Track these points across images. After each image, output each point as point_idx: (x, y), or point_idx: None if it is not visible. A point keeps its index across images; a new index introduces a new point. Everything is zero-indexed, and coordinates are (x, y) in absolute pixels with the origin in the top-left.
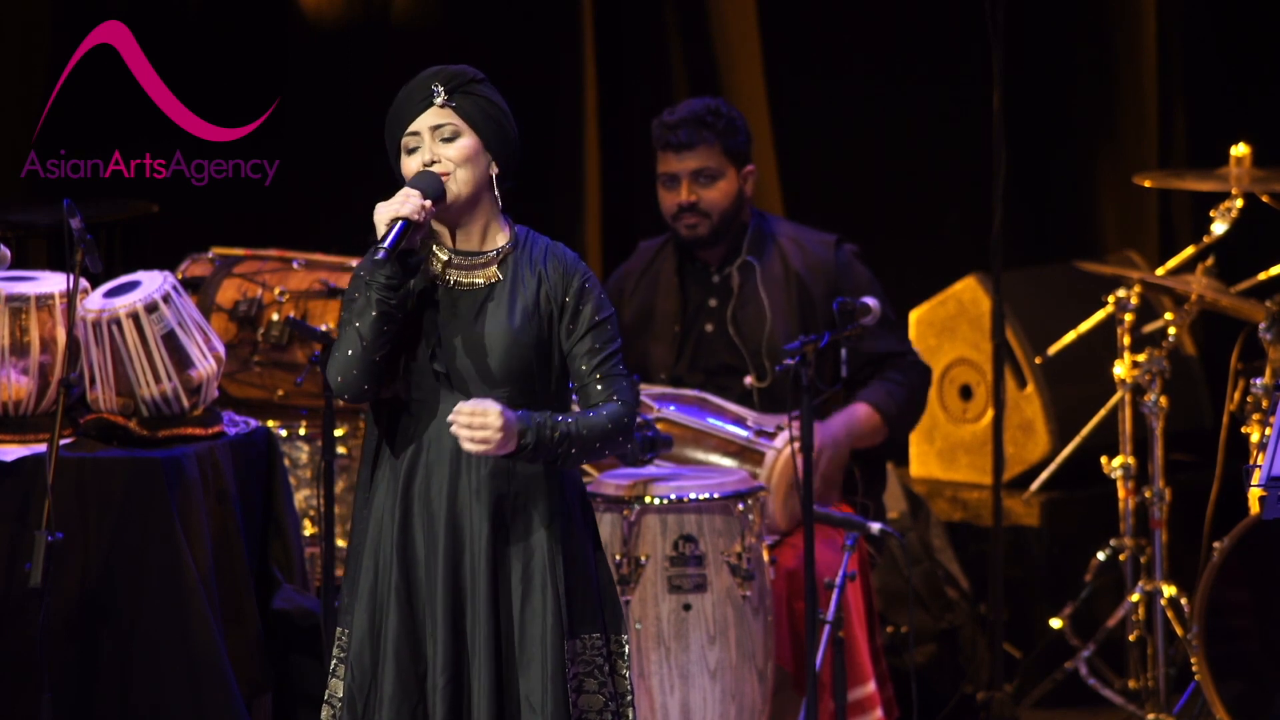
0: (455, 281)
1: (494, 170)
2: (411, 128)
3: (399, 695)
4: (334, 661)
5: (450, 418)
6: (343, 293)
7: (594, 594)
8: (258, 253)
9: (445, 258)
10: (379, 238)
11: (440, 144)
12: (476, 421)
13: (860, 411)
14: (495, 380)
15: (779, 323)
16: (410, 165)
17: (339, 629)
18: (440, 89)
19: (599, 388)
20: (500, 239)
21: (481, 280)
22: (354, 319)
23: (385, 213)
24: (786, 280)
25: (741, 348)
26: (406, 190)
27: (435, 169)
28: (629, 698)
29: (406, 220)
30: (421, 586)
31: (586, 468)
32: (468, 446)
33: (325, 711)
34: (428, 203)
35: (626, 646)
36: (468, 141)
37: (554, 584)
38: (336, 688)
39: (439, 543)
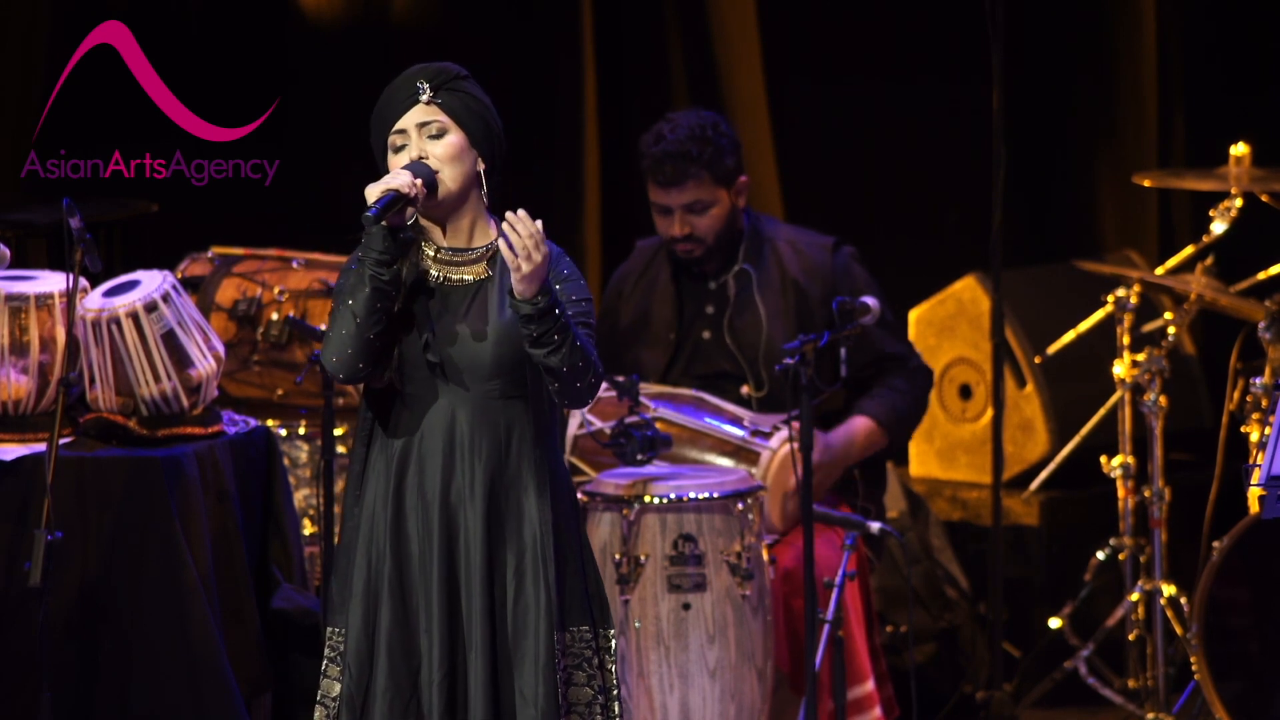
0: (445, 277)
1: (480, 166)
2: (398, 125)
3: (391, 690)
4: (325, 661)
5: (510, 216)
6: None
7: (582, 587)
8: (257, 252)
9: (434, 254)
10: (369, 207)
11: (427, 141)
12: (537, 233)
13: (860, 426)
14: (487, 373)
15: (776, 331)
16: (398, 162)
17: (330, 628)
18: (426, 86)
19: None
20: (488, 235)
21: (470, 276)
22: (347, 296)
23: (376, 188)
24: (784, 287)
25: (739, 355)
26: (398, 170)
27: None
28: (616, 691)
29: (396, 191)
30: (416, 581)
31: (584, 467)
32: (509, 253)
33: (319, 712)
34: (419, 181)
35: (614, 642)
36: (454, 139)
37: (546, 577)
38: (330, 687)
39: (433, 536)
